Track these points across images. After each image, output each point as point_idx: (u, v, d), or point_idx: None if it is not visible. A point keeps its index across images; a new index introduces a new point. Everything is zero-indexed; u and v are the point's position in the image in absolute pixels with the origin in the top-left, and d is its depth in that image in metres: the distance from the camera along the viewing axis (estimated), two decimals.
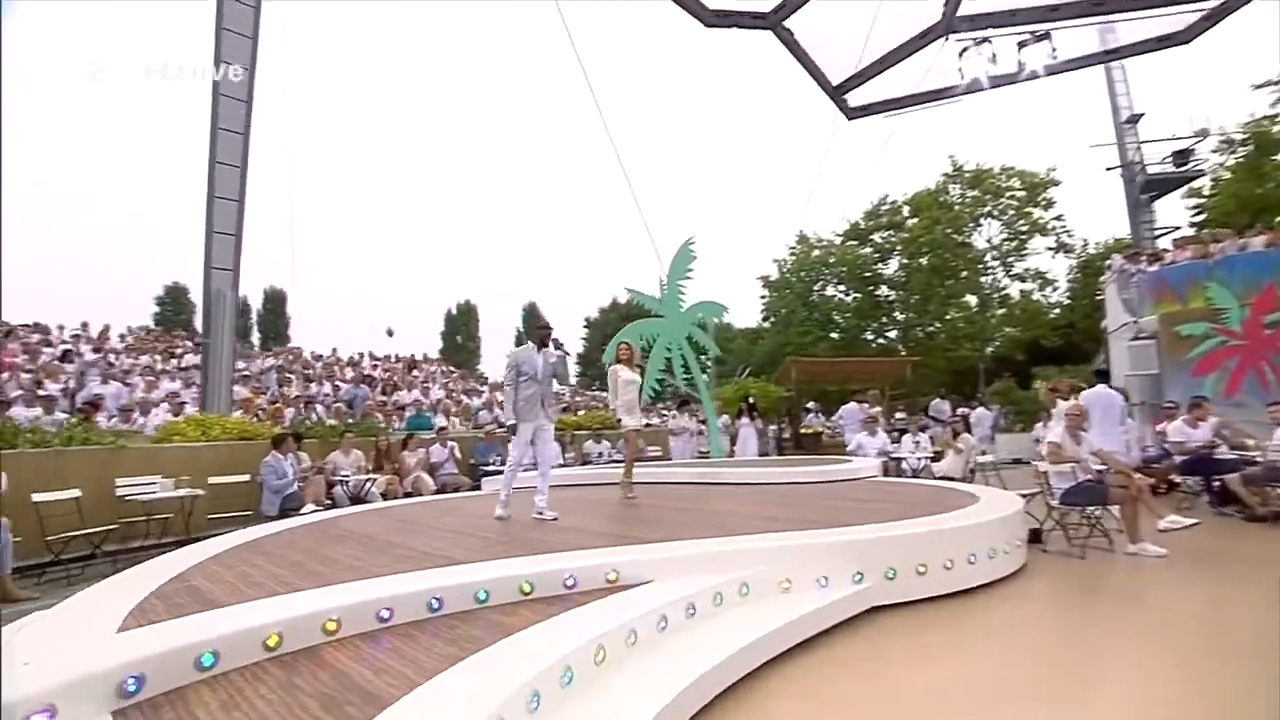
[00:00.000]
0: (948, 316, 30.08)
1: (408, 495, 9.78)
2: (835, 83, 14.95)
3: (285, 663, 2.55)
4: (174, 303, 40.67)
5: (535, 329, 5.90)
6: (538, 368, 5.62)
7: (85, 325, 16.65)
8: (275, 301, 44.51)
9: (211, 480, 8.04)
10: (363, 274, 61.85)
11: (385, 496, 9.66)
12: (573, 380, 12.92)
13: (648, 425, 15.25)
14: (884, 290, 31.93)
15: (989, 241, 29.41)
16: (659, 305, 11.74)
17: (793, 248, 32.89)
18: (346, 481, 9.08)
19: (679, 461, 11.69)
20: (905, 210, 31.20)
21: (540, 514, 5.53)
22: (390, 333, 18.76)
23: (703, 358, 12.65)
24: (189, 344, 17.46)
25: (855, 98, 15.48)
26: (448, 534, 4.93)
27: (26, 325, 15.65)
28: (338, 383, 15.13)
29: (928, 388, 20.59)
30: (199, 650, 2.42)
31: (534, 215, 69.01)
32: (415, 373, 19.06)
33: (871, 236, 31.99)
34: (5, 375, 12.44)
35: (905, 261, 30.65)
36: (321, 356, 18.55)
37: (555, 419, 5.91)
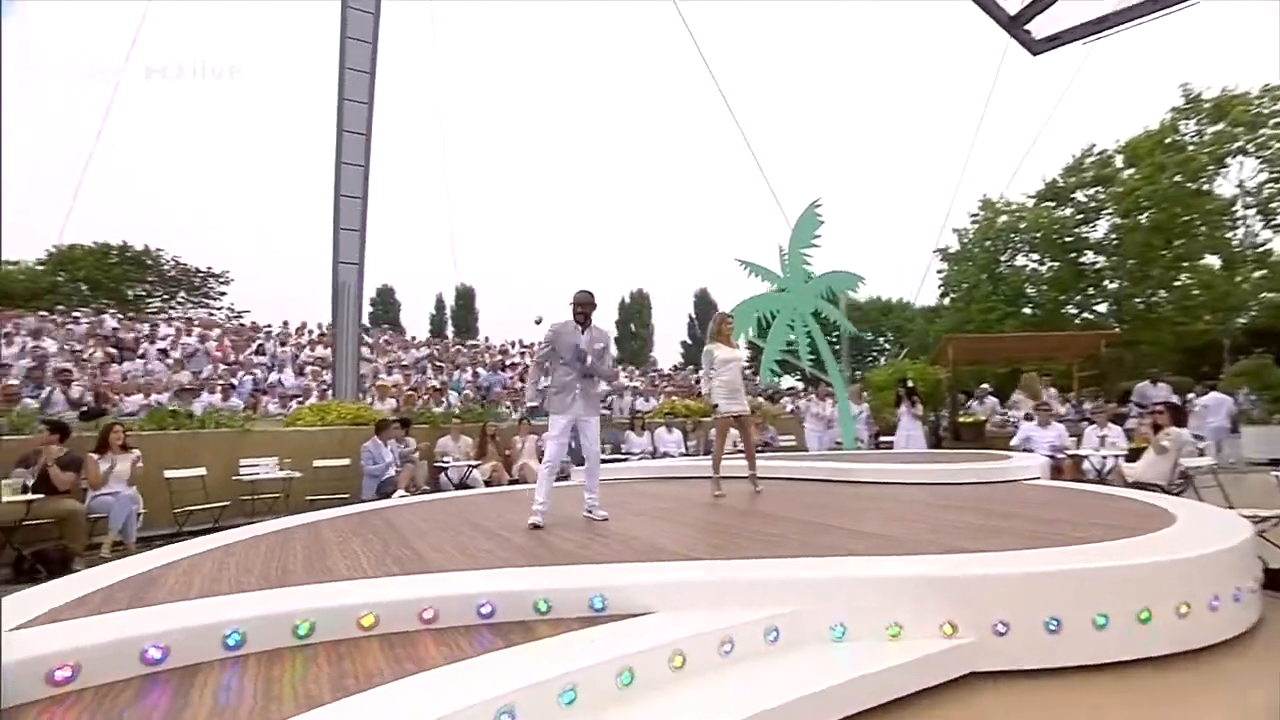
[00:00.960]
0: (1177, 283, 24.72)
1: (514, 483, 9.59)
2: (1013, 11, 12.47)
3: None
4: (383, 302, 45.18)
5: (575, 302, 4.84)
6: (578, 349, 4.72)
7: (285, 323, 18.79)
8: (465, 297, 47.67)
9: (316, 463, 8.36)
10: (544, 266, 65.33)
11: (489, 483, 9.56)
12: (612, 379, 11.44)
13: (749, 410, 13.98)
14: (1089, 257, 27.03)
15: (1240, 186, 23.65)
16: (779, 278, 10.49)
17: (975, 215, 28.97)
18: (447, 468, 9.06)
19: (810, 454, 10.38)
20: (1118, 160, 26.10)
21: (590, 513, 4.85)
22: (538, 321, 19.07)
23: (835, 336, 11.17)
24: (368, 339, 18.96)
25: (1040, 25, 12.83)
26: (472, 533, 4.39)
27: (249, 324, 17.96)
28: (478, 369, 15.60)
29: (1145, 367, 16.80)
30: None
31: (702, 200, 68.57)
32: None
33: (1073, 195, 27.20)
34: (211, 366, 14.31)
35: (1118, 221, 25.66)
36: (474, 345, 19.40)
37: (598, 411, 5.02)
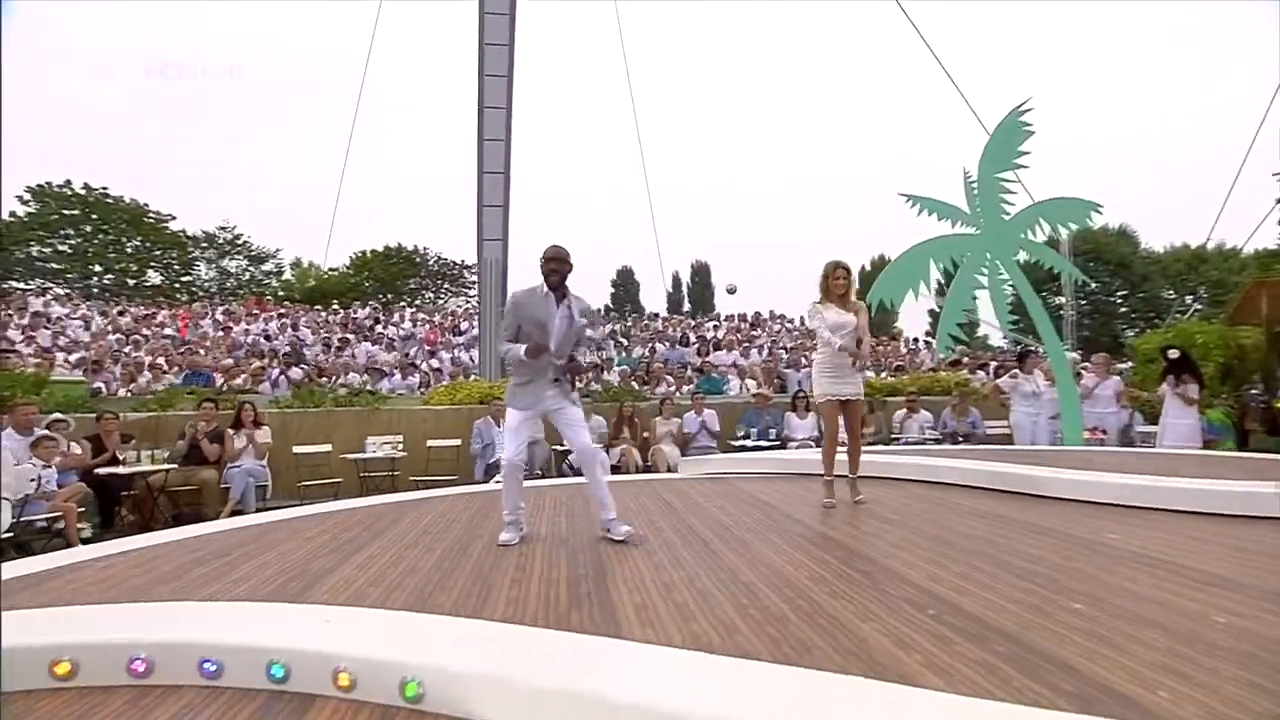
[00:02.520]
0: None
1: (645, 469, 8.67)
2: None
3: None
4: (623, 283, 46.74)
5: (545, 258, 3.64)
6: (547, 321, 3.58)
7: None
8: (702, 274, 47.69)
9: (430, 443, 8.28)
10: (774, 238, 63.00)
11: (618, 468, 8.75)
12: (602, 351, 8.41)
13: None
14: None
15: None
16: (965, 215, 7.95)
17: None
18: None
19: (1019, 449, 7.71)
20: None
21: (608, 531, 3.60)
22: (732, 290, 17.90)
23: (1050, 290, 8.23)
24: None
25: None
26: (438, 546, 3.50)
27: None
28: (657, 344, 14.93)
29: None
30: None
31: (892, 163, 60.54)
32: (756, 331, 17.85)
33: None
34: (416, 348, 15.73)
35: None
36: (668, 319, 18.84)
37: (577, 399, 3.77)
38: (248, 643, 1.95)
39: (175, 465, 6.95)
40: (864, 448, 4.86)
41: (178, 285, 33.02)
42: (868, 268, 43.54)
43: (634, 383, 11.56)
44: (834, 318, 4.37)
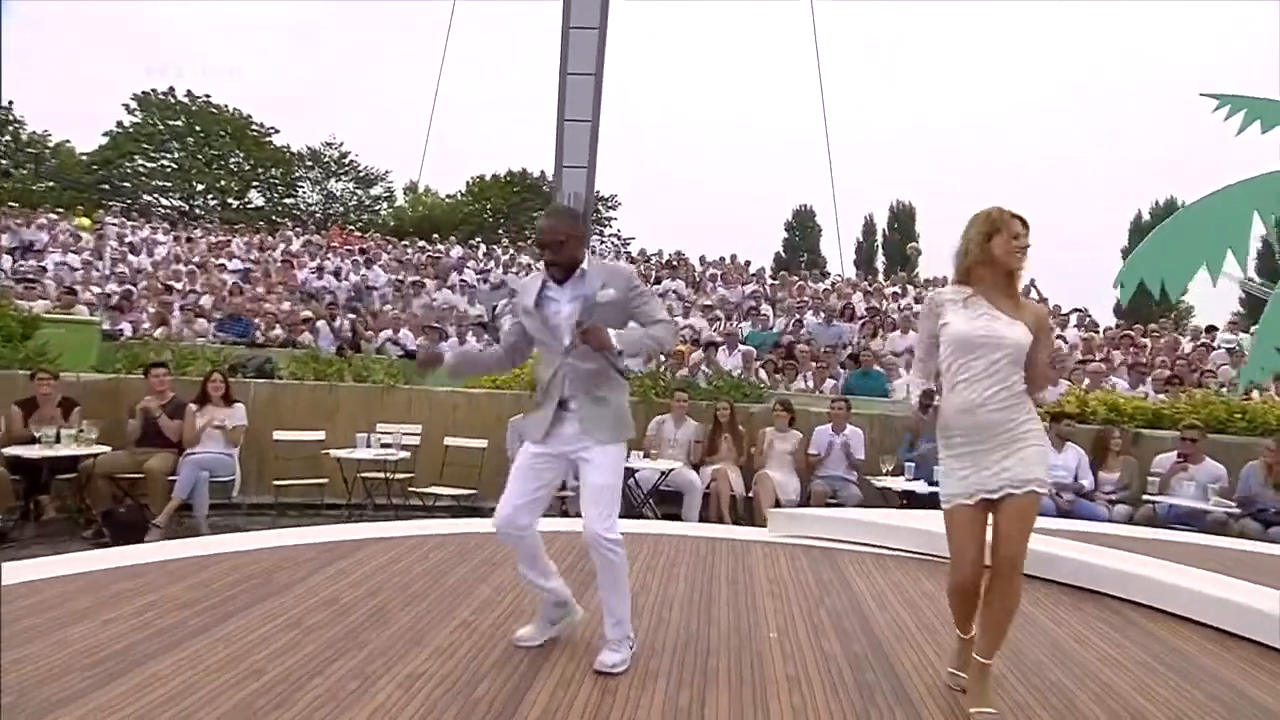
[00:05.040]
0: None
1: (745, 501, 7.66)
2: None
3: None
4: (800, 227, 42.95)
5: (540, 233, 3.07)
6: (543, 308, 3.05)
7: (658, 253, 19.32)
8: (904, 219, 41.85)
9: (448, 441, 7.56)
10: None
11: (708, 501, 7.57)
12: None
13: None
14: None
15: None
16: None
17: None
18: (638, 471, 7.34)
19: None
20: None
21: (602, 665, 2.92)
22: (914, 253, 16.00)
23: None
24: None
25: None
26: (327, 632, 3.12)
27: None
28: (806, 314, 13.30)
29: None
30: None
31: None
32: None
33: None
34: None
35: None
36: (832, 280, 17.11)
37: (614, 430, 3.03)
38: None
39: (111, 449, 6.63)
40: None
41: (280, 208, 35.70)
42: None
43: (761, 371, 10.14)
44: (964, 326, 2.73)
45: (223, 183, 34.94)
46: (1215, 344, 11.76)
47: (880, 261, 40.13)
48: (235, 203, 35.27)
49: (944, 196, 52.75)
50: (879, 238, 41.56)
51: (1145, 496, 7.20)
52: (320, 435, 7.55)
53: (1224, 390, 8.88)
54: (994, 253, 2.73)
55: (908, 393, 3.31)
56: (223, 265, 15.79)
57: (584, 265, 3.00)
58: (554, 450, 3.05)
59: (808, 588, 4.21)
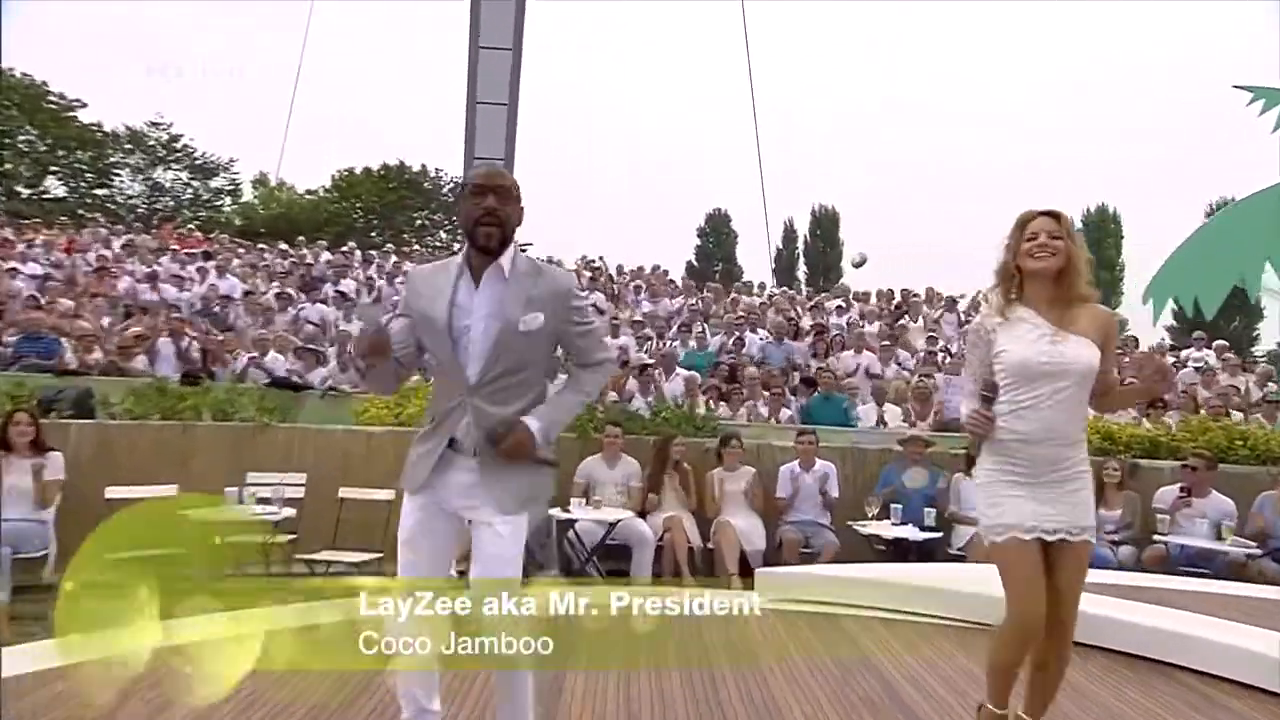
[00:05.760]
0: None
1: (703, 555, 7.13)
2: None
3: None
4: (714, 233, 41.45)
5: (480, 179, 2.61)
6: (460, 337, 2.55)
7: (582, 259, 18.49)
8: (827, 225, 40.91)
9: (343, 493, 6.48)
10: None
11: (660, 554, 6.90)
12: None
13: None
14: None
15: None
16: None
17: None
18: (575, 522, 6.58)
19: None
20: None
21: None
22: (859, 262, 15.95)
23: None
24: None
25: None
26: None
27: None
28: (750, 332, 12.81)
29: None
30: None
31: None
32: (904, 320, 15.50)
33: None
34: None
35: None
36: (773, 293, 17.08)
37: (530, 511, 2.65)
38: None
39: None
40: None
41: (89, 200, 32.16)
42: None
43: (704, 398, 9.37)
44: (1024, 352, 2.71)
45: (9, 166, 31.13)
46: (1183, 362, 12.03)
47: (801, 270, 39.88)
48: (27, 192, 31.65)
49: (870, 197, 53.43)
50: (800, 244, 41.06)
51: (1156, 536, 6.88)
52: (171, 489, 6.31)
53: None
54: (1031, 263, 2.76)
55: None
56: (14, 270, 13.65)
57: (512, 258, 2.54)
58: (441, 502, 2.60)
59: (826, 670, 3.94)
